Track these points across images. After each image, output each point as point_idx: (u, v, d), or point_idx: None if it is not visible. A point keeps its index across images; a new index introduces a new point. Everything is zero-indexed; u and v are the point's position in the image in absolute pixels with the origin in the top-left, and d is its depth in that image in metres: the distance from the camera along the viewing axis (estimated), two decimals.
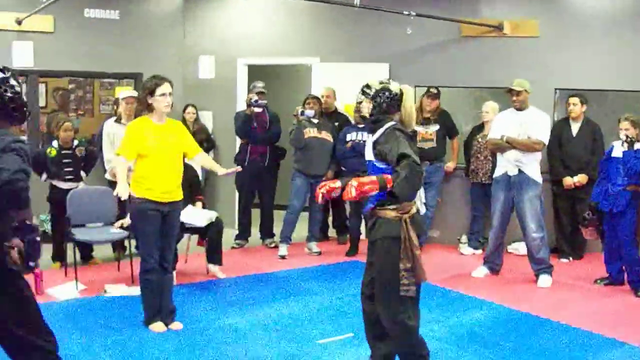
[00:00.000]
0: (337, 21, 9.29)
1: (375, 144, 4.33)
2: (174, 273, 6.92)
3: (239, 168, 6.03)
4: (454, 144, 8.77)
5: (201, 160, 5.97)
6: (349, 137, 8.09)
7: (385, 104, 4.35)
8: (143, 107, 5.54)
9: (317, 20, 9.51)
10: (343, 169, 8.26)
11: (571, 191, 8.10)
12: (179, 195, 5.64)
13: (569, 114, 8.13)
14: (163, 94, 5.44)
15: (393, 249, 4.22)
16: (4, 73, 3.56)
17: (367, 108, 4.41)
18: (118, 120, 7.82)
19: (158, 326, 5.62)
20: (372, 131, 4.43)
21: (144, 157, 5.42)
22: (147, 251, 5.54)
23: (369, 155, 4.41)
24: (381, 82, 4.45)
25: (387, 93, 4.37)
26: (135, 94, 7.97)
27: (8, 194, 3.13)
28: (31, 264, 3.39)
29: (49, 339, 3.65)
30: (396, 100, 4.38)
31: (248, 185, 8.85)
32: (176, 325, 5.72)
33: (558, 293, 6.90)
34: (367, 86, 4.46)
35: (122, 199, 5.30)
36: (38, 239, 3.32)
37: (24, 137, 8.99)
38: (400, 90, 4.41)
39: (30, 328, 3.57)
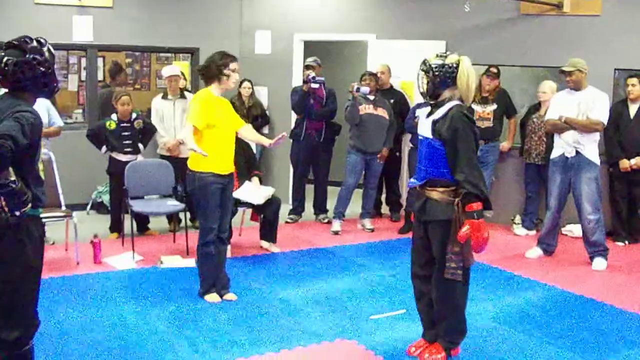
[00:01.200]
0: None
1: (435, 122, 4.25)
2: (229, 246, 7.04)
3: (284, 134, 6.01)
4: (511, 123, 8.67)
5: (245, 133, 5.95)
6: (417, 112, 7.96)
7: (439, 78, 4.25)
8: (212, 78, 5.60)
9: None
10: (410, 145, 8.23)
11: (628, 174, 7.95)
12: (232, 167, 5.78)
13: (627, 95, 7.98)
14: (233, 70, 5.58)
15: (446, 231, 4.21)
16: (41, 45, 3.60)
17: (425, 84, 4.32)
18: (165, 97, 7.97)
19: (213, 297, 5.75)
20: (434, 108, 4.34)
21: (212, 128, 5.51)
22: (209, 224, 5.63)
23: (425, 132, 4.33)
24: (438, 55, 4.34)
25: (440, 66, 4.26)
26: (177, 72, 8.10)
27: None
28: (17, 213, 3.41)
29: (15, 334, 3.58)
30: (450, 74, 4.26)
31: (303, 161, 8.89)
32: (230, 296, 5.83)
33: (613, 276, 6.81)
34: (424, 61, 4.36)
35: (198, 152, 5.32)
36: (12, 190, 3.34)
37: (80, 111, 9.20)
38: (457, 62, 4.29)
39: (6, 316, 3.55)
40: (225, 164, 5.61)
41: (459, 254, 4.18)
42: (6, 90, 3.60)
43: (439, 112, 4.25)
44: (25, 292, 3.59)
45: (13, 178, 3.35)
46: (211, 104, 5.54)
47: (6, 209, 3.39)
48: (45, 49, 3.60)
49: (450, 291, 4.31)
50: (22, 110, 3.38)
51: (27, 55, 3.53)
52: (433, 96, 4.34)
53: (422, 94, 4.42)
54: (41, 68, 3.55)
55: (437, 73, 4.25)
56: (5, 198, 3.37)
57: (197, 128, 5.44)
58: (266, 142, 5.99)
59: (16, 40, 3.59)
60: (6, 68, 3.50)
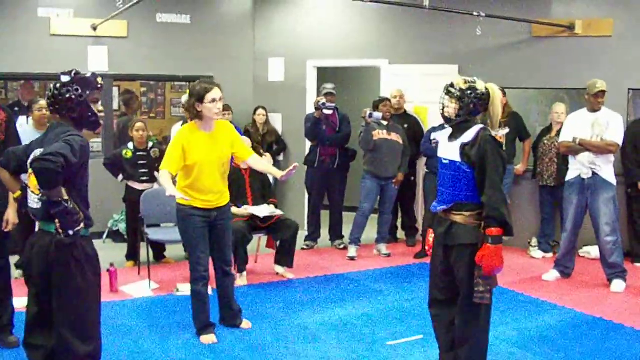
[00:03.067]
0: (406, 23, 9.29)
1: (464, 146, 4.23)
2: (244, 273, 7.06)
3: (296, 164, 5.43)
4: (525, 146, 8.65)
5: (254, 163, 5.67)
6: (433, 136, 7.94)
7: (473, 104, 4.22)
8: (192, 115, 5.27)
9: (386, 22, 9.52)
10: (426, 169, 8.27)
11: None
12: (224, 200, 5.49)
13: None
14: (213, 100, 5.16)
15: (473, 255, 4.18)
16: (73, 78, 3.79)
17: (452, 109, 4.26)
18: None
19: (208, 338, 5.48)
20: (458, 132, 4.30)
21: (189, 168, 5.26)
22: (194, 259, 5.42)
23: (452, 155, 4.28)
24: (467, 81, 4.28)
25: (474, 93, 4.23)
26: None
27: (35, 171, 3.37)
28: (70, 232, 3.58)
29: (90, 348, 3.77)
30: (484, 100, 4.25)
31: (318, 187, 8.90)
32: (246, 324, 5.79)
33: (632, 298, 6.75)
34: (452, 85, 4.29)
35: (178, 197, 5.04)
36: (65, 209, 3.50)
37: (99, 140, 9.28)
38: (487, 89, 4.27)
39: (76, 331, 3.71)
40: (207, 199, 5.34)
41: (486, 278, 4.15)
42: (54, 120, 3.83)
43: (467, 136, 4.22)
44: (90, 308, 3.77)
45: (66, 198, 3.51)
46: (188, 145, 5.22)
47: (60, 230, 3.55)
48: (96, 81, 3.83)
49: (475, 315, 4.28)
50: (72, 134, 3.61)
51: (78, 87, 3.74)
52: (463, 121, 4.31)
53: (446, 118, 4.34)
54: (72, 100, 3.73)
55: (472, 99, 4.23)
56: (60, 218, 3.54)
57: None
58: (278, 173, 5.55)
59: (68, 72, 3.78)
60: (60, 98, 3.71)
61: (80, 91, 3.74)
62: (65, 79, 3.75)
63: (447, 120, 4.35)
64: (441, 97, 4.34)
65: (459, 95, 4.23)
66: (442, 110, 4.33)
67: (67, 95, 3.71)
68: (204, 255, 5.40)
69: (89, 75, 3.84)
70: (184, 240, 5.60)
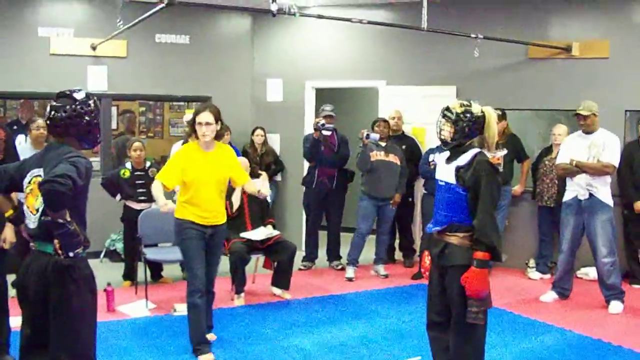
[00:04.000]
0: (404, 44, 9.34)
1: (459, 168, 4.25)
2: (242, 295, 7.05)
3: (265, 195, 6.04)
4: (523, 167, 8.67)
5: (248, 188, 5.88)
6: (431, 157, 7.96)
7: (468, 127, 4.24)
8: (191, 132, 5.66)
9: (384, 43, 9.57)
10: (424, 190, 8.30)
11: None
12: (221, 219, 5.63)
13: (639, 136, 7.98)
14: (199, 123, 5.39)
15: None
16: (87, 97, 3.79)
17: (447, 132, 4.28)
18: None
19: (206, 357, 5.47)
20: (454, 154, 4.32)
21: (187, 182, 5.43)
22: (191, 272, 5.51)
23: (448, 177, 4.31)
24: (462, 105, 4.30)
25: (469, 116, 4.24)
26: None
27: (45, 193, 3.36)
28: (70, 254, 3.58)
29: None
30: (479, 124, 4.27)
31: (315, 207, 8.91)
32: (210, 337, 5.83)
33: (630, 319, 6.75)
34: (448, 109, 4.32)
35: (168, 210, 5.29)
36: (68, 231, 3.50)
37: (97, 159, 9.29)
38: (483, 112, 4.30)
39: (71, 353, 3.69)
40: (203, 216, 5.47)
41: (480, 299, 4.15)
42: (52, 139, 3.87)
43: (463, 159, 4.24)
44: (86, 330, 3.76)
45: (69, 219, 3.50)
46: (187, 161, 5.45)
47: (60, 251, 3.54)
48: (91, 101, 3.82)
49: (470, 336, 4.27)
50: (76, 156, 3.61)
51: (76, 106, 3.73)
52: (458, 145, 4.34)
53: (443, 141, 4.37)
54: (87, 118, 3.76)
55: (467, 123, 4.25)
56: (61, 239, 3.53)
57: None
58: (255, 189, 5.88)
59: (67, 90, 3.79)
60: (56, 115, 3.71)
61: (95, 109, 3.77)
62: (81, 96, 3.76)
63: (444, 143, 4.37)
64: (438, 120, 4.36)
65: (454, 119, 4.26)
66: (439, 133, 4.35)
67: (86, 115, 3.73)
68: (199, 267, 5.48)
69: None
70: (182, 253, 5.64)
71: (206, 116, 5.37)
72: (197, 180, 5.42)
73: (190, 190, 5.45)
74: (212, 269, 5.70)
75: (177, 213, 5.50)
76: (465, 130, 4.25)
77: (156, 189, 5.35)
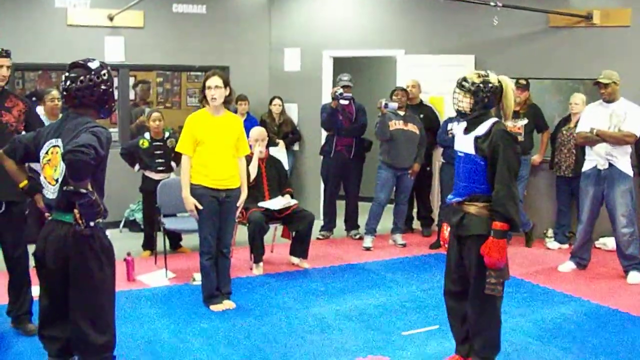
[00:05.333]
0: (422, 13, 9.27)
1: (477, 139, 4.23)
2: (261, 264, 7.09)
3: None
4: (543, 137, 8.60)
5: (241, 165, 6.09)
6: (449, 126, 7.91)
7: (487, 98, 4.21)
8: (202, 97, 5.87)
9: (402, 12, 9.49)
10: (442, 160, 8.29)
11: None
12: (235, 183, 5.92)
13: None
14: (208, 87, 5.72)
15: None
16: (102, 66, 3.79)
17: (466, 103, 4.24)
18: None
19: (217, 307, 5.97)
20: (472, 125, 4.29)
21: (199, 144, 5.76)
22: (203, 234, 5.89)
23: (467, 147, 4.29)
24: (480, 75, 4.26)
25: (487, 86, 4.21)
26: None
27: (69, 163, 3.35)
28: (91, 224, 3.59)
29: (106, 338, 3.78)
30: (497, 94, 4.24)
31: (333, 177, 8.91)
32: (229, 305, 6.04)
33: None
34: (465, 79, 4.28)
35: (192, 214, 5.84)
36: (89, 201, 3.50)
37: (115, 129, 9.32)
38: (500, 82, 4.26)
39: (93, 322, 3.72)
40: (216, 179, 5.79)
41: (498, 269, 4.15)
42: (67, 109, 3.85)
43: (481, 129, 4.22)
44: (106, 299, 3.79)
45: (90, 189, 3.51)
46: (197, 124, 5.79)
47: (81, 221, 3.54)
48: (105, 70, 3.81)
49: (487, 306, 4.28)
50: (96, 126, 3.62)
51: (91, 75, 3.72)
52: (473, 115, 4.31)
53: (459, 112, 4.33)
54: (102, 87, 3.76)
55: (486, 93, 4.22)
56: (82, 209, 3.53)
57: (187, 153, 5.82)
58: (243, 188, 6.10)
59: (81, 60, 3.79)
60: (72, 86, 3.71)
61: (109, 78, 3.78)
62: (95, 65, 3.75)
63: (461, 114, 4.34)
64: (454, 92, 4.32)
65: (473, 90, 4.21)
66: (456, 104, 4.31)
67: (102, 84, 3.73)
68: (209, 231, 5.86)
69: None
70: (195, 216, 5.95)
71: (215, 80, 5.70)
72: (207, 142, 5.75)
73: (201, 153, 5.77)
74: (226, 232, 5.99)
75: (192, 178, 5.80)
76: (485, 100, 4.21)
77: (184, 169, 5.85)
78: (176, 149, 5.85)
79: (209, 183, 5.77)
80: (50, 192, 3.71)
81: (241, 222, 7.13)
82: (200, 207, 5.77)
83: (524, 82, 8.34)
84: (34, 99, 8.94)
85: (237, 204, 6.03)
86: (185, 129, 5.84)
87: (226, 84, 5.76)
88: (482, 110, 4.25)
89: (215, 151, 5.77)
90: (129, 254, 6.86)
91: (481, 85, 4.21)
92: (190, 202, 5.78)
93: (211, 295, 5.99)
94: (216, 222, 5.86)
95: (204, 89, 5.76)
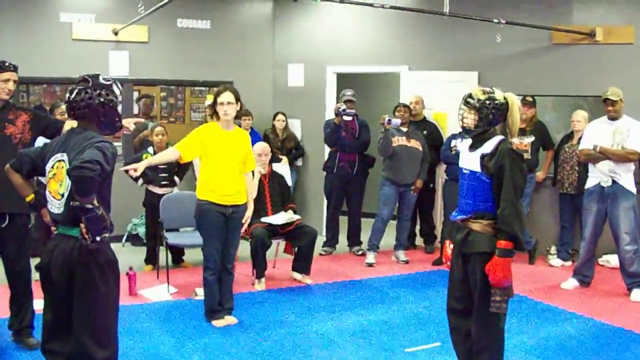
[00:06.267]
0: (426, 29, 9.28)
1: (483, 156, 4.21)
2: (263, 279, 7.08)
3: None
4: (548, 154, 8.59)
5: (247, 180, 6.09)
6: (453, 143, 7.92)
7: (492, 114, 4.19)
8: (213, 112, 5.87)
9: (405, 29, 9.52)
10: (445, 176, 8.31)
11: None
12: (241, 199, 5.90)
13: None
14: (221, 103, 5.73)
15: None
16: (108, 82, 3.79)
17: (471, 119, 4.23)
18: None
19: (218, 322, 5.96)
20: (478, 142, 4.28)
21: (206, 159, 5.78)
22: (208, 250, 5.89)
23: (472, 165, 4.27)
24: (485, 92, 4.25)
25: (493, 103, 4.20)
26: None
27: (74, 179, 3.37)
28: (97, 238, 3.59)
29: (107, 353, 3.76)
30: (502, 110, 4.22)
31: (336, 193, 8.91)
32: (231, 320, 6.03)
33: None
34: (471, 96, 4.26)
35: (132, 174, 5.26)
36: (95, 216, 3.51)
37: (119, 143, 9.33)
38: (505, 98, 4.25)
39: (95, 337, 3.71)
40: (223, 194, 5.77)
41: (503, 288, 4.13)
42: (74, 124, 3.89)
43: (487, 147, 4.20)
44: (109, 314, 3.79)
45: (96, 204, 3.52)
46: (206, 136, 5.77)
47: (87, 235, 3.55)
48: (112, 85, 3.83)
49: (490, 324, 4.27)
50: (102, 141, 3.63)
51: (94, 91, 3.74)
52: (480, 131, 4.31)
53: (465, 129, 4.32)
54: (106, 103, 3.77)
55: (491, 110, 4.20)
56: (88, 224, 3.54)
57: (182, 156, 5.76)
58: (249, 205, 6.07)
59: (87, 76, 3.79)
60: (77, 100, 3.73)
61: (113, 95, 3.79)
62: (100, 80, 3.76)
63: (467, 131, 4.32)
64: (460, 108, 4.32)
65: (478, 106, 4.20)
66: (461, 121, 4.31)
67: (101, 98, 3.73)
68: (213, 246, 5.86)
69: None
70: (200, 232, 5.99)
71: (228, 96, 5.72)
72: (217, 156, 5.74)
73: (210, 167, 5.77)
74: (230, 248, 5.99)
75: (198, 194, 5.83)
76: (490, 117, 4.20)
77: (165, 154, 5.97)
78: (176, 146, 5.81)
79: (216, 198, 5.75)
80: (55, 206, 3.72)
81: (244, 237, 7.12)
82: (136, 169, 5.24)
83: (530, 99, 8.35)
84: None
85: (243, 220, 5.99)
86: (194, 134, 5.83)
87: (237, 99, 5.79)
88: (487, 127, 4.24)
89: (223, 166, 5.76)
90: (131, 268, 6.86)
91: (486, 101, 4.20)
92: (141, 165, 5.28)
93: (213, 310, 5.98)
94: (221, 237, 5.84)
95: (215, 104, 5.77)
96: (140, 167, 5.22)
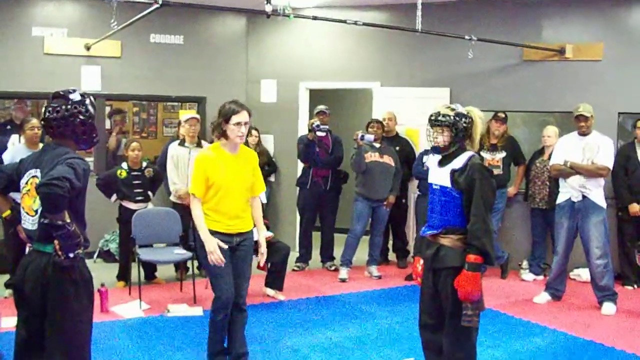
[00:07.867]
0: (399, 46, 9.35)
1: (453, 172, 4.24)
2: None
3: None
4: (519, 170, 8.68)
5: (256, 205, 5.34)
6: (425, 158, 7.85)
7: (461, 131, 4.24)
8: (218, 133, 5.04)
9: (378, 45, 9.57)
10: (418, 192, 8.35)
11: (637, 218, 7.94)
12: (248, 225, 5.17)
13: (637, 138, 7.97)
14: (238, 123, 4.91)
15: None
16: (83, 97, 3.77)
17: (445, 138, 4.26)
18: (182, 144, 7.88)
19: None
20: (448, 157, 4.31)
21: (211, 187, 4.97)
22: (216, 286, 5.06)
23: (442, 180, 4.30)
24: (452, 109, 4.29)
25: (463, 119, 4.25)
26: (196, 115, 8.11)
27: (42, 197, 3.36)
28: (71, 255, 3.56)
29: None
30: (469, 124, 4.27)
31: (310, 208, 8.91)
32: None
33: (622, 321, 6.76)
34: (440, 115, 4.27)
35: (216, 261, 4.84)
36: (68, 232, 3.48)
37: (91, 159, 9.27)
38: (469, 113, 4.30)
39: (68, 354, 3.68)
40: (230, 224, 5.04)
41: (473, 302, 4.15)
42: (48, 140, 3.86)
43: (457, 162, 4.24)
44: (83, 331, 3.75)
45: (68, 220, 3.49)
46: (212, 165, 4.96)
47: (60, 252, 3.52)
48: (87, 101, 3.80)
49: (462, 338, 4.28)
50: (74, 157, 3.60)
51: (69, 106, 3.72)
52: (453, 150, 4.32)
53: (436, 148, 4.32)
54: (80, 118, 3.74)
55: (460, 126, 4.24)
56: (60, 241, 3.51)
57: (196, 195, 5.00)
58: (260, 236, 5.40)
59: (62, 91, 3.78)
60: (51, 116, 3.70)
61: (90, 110, 3.77)
62: (75, 97, 3.75)
63: (438, 150, 4.34)
64: (427, 129, 4.34)
65: (452, 122, 4.24)
66: (433, 140, 4.32)
67: (80, 115, 3.72)
68: (225, 282, 5.03)
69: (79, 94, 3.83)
70: (206, 267, 5.21)
71: (245, 115, 4.94)
72: (222, 185, 4.97)
73: (214, 195, 4.98)
74: (242, 282, 5.19)
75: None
76: (459, 133, 4.25)
77: (197, 213, 4.97)
78: (190, 191, 5.06)
79: (221, 228, 4.98)
80: (29, 222, 3.69)
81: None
82: (225, 246, 4.93)
83: (502, 115, 8.43)
84: (8, 127, 8.91)
85: (262, 251, 5.36)
86: (197, 169, 4.97)
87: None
88: (459, 143, 4.28)
89: (230, 193, 4.99)
90: (102, 285, 6.80)
91: (456, 118, 4.24)
92: (214, 242, 4.88)
93: (217, 352, 5.24)
94: (230, 270, 5.04)
95: (226, 123, 4.92)
96: (211, 244, 4.84)
